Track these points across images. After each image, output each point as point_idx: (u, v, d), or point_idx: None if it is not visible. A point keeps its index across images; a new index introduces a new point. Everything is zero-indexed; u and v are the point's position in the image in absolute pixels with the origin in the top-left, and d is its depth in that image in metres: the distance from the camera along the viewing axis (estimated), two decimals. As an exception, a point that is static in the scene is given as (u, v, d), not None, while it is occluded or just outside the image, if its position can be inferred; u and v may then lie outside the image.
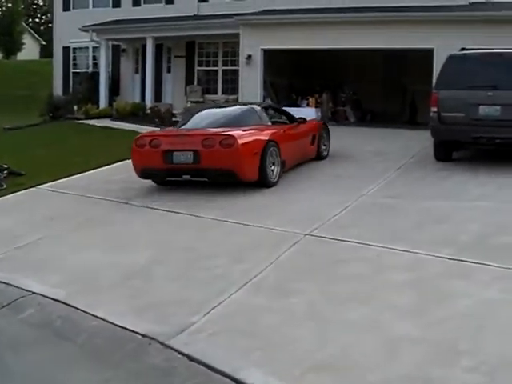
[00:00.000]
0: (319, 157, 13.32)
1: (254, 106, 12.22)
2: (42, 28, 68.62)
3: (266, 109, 12.49)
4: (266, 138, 10.68)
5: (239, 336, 4.95)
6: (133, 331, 5.16)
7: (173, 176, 10.80)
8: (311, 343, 4.74)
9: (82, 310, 5.70)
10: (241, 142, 10.08)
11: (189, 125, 11.63)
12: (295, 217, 8.54)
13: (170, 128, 12.66)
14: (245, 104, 13.22)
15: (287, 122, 12.69)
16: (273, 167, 10.68)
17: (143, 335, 5.05)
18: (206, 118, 11.74)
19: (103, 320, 5.45)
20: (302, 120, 12.80)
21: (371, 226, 7.93)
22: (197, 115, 12.20)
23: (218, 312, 5.43)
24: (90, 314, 5.60)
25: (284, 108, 14.19)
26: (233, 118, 11.44)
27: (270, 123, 11.88)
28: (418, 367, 4.26)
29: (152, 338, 4.99)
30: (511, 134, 11.19)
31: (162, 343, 4.89)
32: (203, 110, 12.89)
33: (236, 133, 10.25)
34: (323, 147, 13.55)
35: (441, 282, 5.83)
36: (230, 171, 10.03)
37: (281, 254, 6.89)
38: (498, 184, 10.11)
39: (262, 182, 10.42)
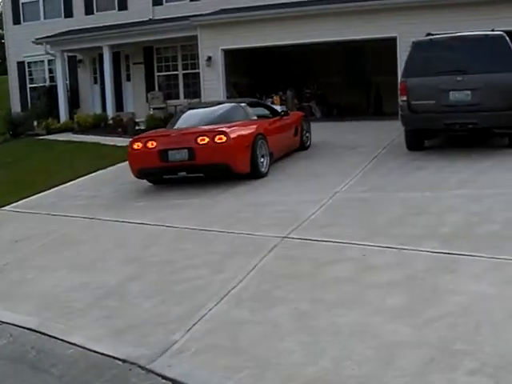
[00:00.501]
0: (303, 147, 14.07)
1: (240, 103, 12.79)
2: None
3: (250, 104, 12.92)
4: (255, 132, 11.30)
5: (223, 353, 4.64)
6: (112, 357, 4.83)
7: (169, 174, 11.32)
8: (300, 357, 4.43)
9: (56, 338, 5.35)
10: (232, 136, 10.68)
11: (179, 124, 12.19)
12: (271, 219, 8.27)
13: (162, 129, 13.12)
14: (230, 101, 13.80)
15: (271, 115, 13.24)
16: (262, 159, 11.31)
17: (123, 360, 4.73)
18: (194, 117, 12.30)
19: (80, 347, 5.10)
20: (285, 113, 13.60)
21: (351, 223, 7.70)
22: (185, 115, 12.76)
23: (199, 328, 5.12)
24: (65, 341, 5.25)
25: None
26: (221, 114, 12.04)
27: (255, 117, 12.42)
28: (416, 374, 3.99)
29: (133, 363, 4.66)
30: (483, 119, 11.06)
31: (143, 367, 4.57)
32: (190, 109, 13.46)
33: (227, 128, 10.84)
34: (305, 137, 14.31)
35: (429, 278, 5.58)
36: (224, 165, 10.64)
37: (259, 260, 6.60)
38: (474, 170, 9.98)
39: (254, 174, 11.06)
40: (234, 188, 10.59)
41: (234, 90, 21.13)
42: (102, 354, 4.90)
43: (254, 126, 11.58)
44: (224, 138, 10.57)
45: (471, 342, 4.31)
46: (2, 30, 35.18)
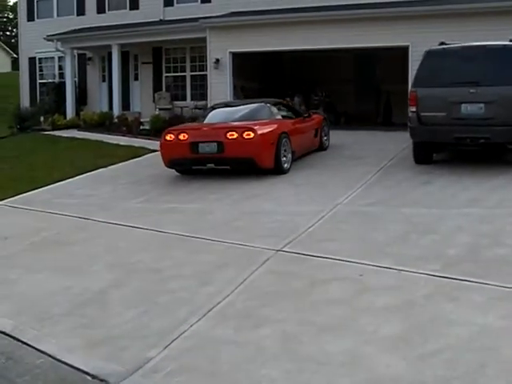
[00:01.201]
0: (321, 148, 14.78)
1: (266, 103, 13.45)
2: (13, 41, 67.81)
3: (275, 105, 13.64)
4: (280, 131, 12.01)
5: (199, 377, 4.31)
6: (82, 371, 4.53)
7: (198, 165, 12.10)
8: (281, 387, 4.08)
9: (28, 345, 5.07)
10: (259, 133, 11.39)
11: (209, 119, 12.98)
12: (265, 230, 7.96)
13: (194, 123, 13.98)
14: (256, 101, 14.12)
15: (294, 116, 13.87)
16: (285, 156, 11.99)
17: (93, 376, 4.43)
18: (223, 114, 13.07)
19: (51, 357, 4.81)
20: (308, 115, 14.47)
21: (350, 239, 7.35)
22: (214, 111, 13.50)
23: (177, 346, 4.80)
24: (36, 349, 4.97)
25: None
26: (248, 112, 12.76)
27: (280, 117, 13.14)
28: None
29: (102, 380, 4.37)
30: (496, 134, 10.63)
31: (112, 386, 4.26)
32: (218, 107, 14.02)
33: (255, 125, 11.57)
34: (324, 139, 15.02)
35: (429, 305, 5.20)
36: (250, 159, 11.35)
37: (250, 274, 6.27)
38: (484, 188, 9.60)
39: (277, 169, 11.73)
40: (231, 196, 10.31)
41: (241, 93, 20.88)
42: (73, 366, 4.63)
43: (279, 125, 12.32)
44: (252, 134, 11.28)
45: (474, 384, 3.91)
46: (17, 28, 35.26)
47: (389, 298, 5.38)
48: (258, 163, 11.45)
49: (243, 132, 11.33)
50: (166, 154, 12.12)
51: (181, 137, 11.83)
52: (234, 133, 11.36)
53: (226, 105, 14.37)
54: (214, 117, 13.06)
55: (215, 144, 11.41)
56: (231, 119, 12.50)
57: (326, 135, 15.13)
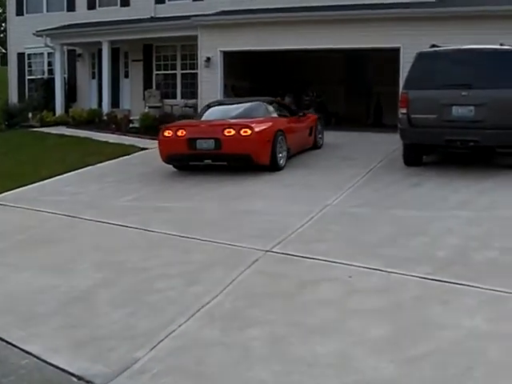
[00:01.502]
0: (316, 146, 15.13)
1: (262, 101, 13.76)
2: (1, 36, 67.31)
3: (271, 103, 13.98)
4: (276, 128, 12.32)
5: (186, 378, 4.25)
6: (67, 372, 4.44)
7: (196, 160, 12.31)
8: (271, 389, 4.03)
9: (13, 345, 4.96)
10: (256, 130, 11.67)
11: (206, 117, 13.31)
12: (255, 230, 7.89)
13: (191, 120, 14.42)
14: (253, 99, 14.35)
15: (289, 115, 14.15)
16: (281, 153, 12.28)
17: (78, 377, 4.35)
18: (220, 111, 13.42)
19: (36, 357, 4.71)
20: (302, 114, 14.80)
21: (339, 240, 7.31)
22: (211, 109, 13.78)
23: (165, 346, 4.73)
24: (22, 349, 4.87)
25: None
26: (245, 110, 13.05)
27: (276, 116, 13.47)
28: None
29: (88, 381, 4.29)
30: (486, 137, 10.64)
31: (98, 388, 4.18)
32: (215, 104, 14.33)
33: (252, 123, 11.84)
34: (319, 138, 15.40)
35: (419, 308, 5.16)
36: (247, 156, 11.59)
37: (238, 274, 6.20)
38: (474, 190, 9.60)
39: (273, 166, 12.00)
40: (221, 195, 10.29)
41: (232, 92, 20.79)
42: (58, 367, 4.53)
43: (275, 123, 12.67)
44: (249, 132, 11.55)
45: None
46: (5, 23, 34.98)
47: (378, 300, 5.34)
48: (254, 159, 11.69)
49: (240, 129, 11.58)
50: (164, 150, 12.36)
51: (179, 133, 12.11)
52: (231, 130, 11.61)
53: (223, 103, 14.89)
54: (211, 114, 13.36)
55: (212, 141, 11.67)
56: (228, 117, 12.75)
57: (320, 134, 15.46)
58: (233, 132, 11.58)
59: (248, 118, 12.42)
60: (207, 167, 12.39)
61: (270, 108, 13.56)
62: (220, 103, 14.70)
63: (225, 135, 11.60)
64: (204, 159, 12.12)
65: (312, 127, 14.92)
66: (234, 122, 12.16)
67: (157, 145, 12.71)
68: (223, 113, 13.21)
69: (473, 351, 4.35)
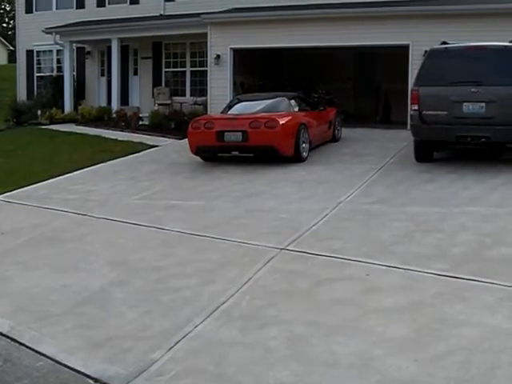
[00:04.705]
0: (334, 139, 15.75)
1: (286, 96, 14.36)
2: (9, 33, 67.46)
3: (294, 98, 14.50)
4: (299, 121, 13.01)
5: (205, 380, 4.19)
6: (83, 374, 4.37)
7: (223, 152, 13.11)
8: (291, 390, 3.97)
9: (26, 346, 4.88)
10: (281, 123, 12.34)
11: (233, 111, 13.87)
12: (270, 228, 7.83)
13: (218, 114, 14.82)
14: (277, 95, 14.97)
15: (310, 109, 14.72)
16: (304, 145, 12.90)
17: (95, 379, 4.28)
18: (246, 105, 13.96)
19: (50, 359, 4.64)
20: (323, 108, 15.45)
21: (354, 238, 7.24)
22: (238, 104, 14.40)
23: (182, 347, 4.67)
24: (35, 351, 4.79)
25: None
26: (269, 105, 13.61)
27: (298, 110, 14.03)
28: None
29: (104, 384, 4.21)
30: (497, 133, 10.64)
31: (116, 390, 4.13)
32: (242, 99, 14.95)
33: (277, 116, 12.54)
34: (337, 131, 16.00)
35: (438, 306, 5.10)
36: (272, 148, 12.27)
37: (254, 273, 6.15)
38: (486, 186, 9.55)
39: (297, 157, 12.65)
40: (232, 193, 10.24)
41: (241, 89, 20.71)
42: (74, 369, 4.46)
43: (298, 117, 13.35)
44: (274, 125, 12.25)
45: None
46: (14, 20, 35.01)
47: (397, 298, 5.28)
48: (279, 151, 12.37)
49: (266, 122, 12.27)
50: (194, 142, 12.99)
51: (208, 126, 12.76)
52: (257, 123, 12.31)
53: (248, 98, 15.32)
54: (237, 108, 13.96)
55: (240, 133, 12.35)
56: (254, 111, 13.31)
57: (338, 126, 16.07)
58: (259, 125, 12.23)
59: (273, 112, 13.00)
60: (231, 159, 13.15)
61: (293, 102, 14.07)
62: (246, 98, 15.19)
63: (251, 128, 12.25)
64: (231, 151, 12.82)
65: (331, 121, 15.51)
66: (260, 115, 12.78)
67: (186, 137, 13.36)
68: (249, 107, 13.72)
69: (495, 350, 4.29)
